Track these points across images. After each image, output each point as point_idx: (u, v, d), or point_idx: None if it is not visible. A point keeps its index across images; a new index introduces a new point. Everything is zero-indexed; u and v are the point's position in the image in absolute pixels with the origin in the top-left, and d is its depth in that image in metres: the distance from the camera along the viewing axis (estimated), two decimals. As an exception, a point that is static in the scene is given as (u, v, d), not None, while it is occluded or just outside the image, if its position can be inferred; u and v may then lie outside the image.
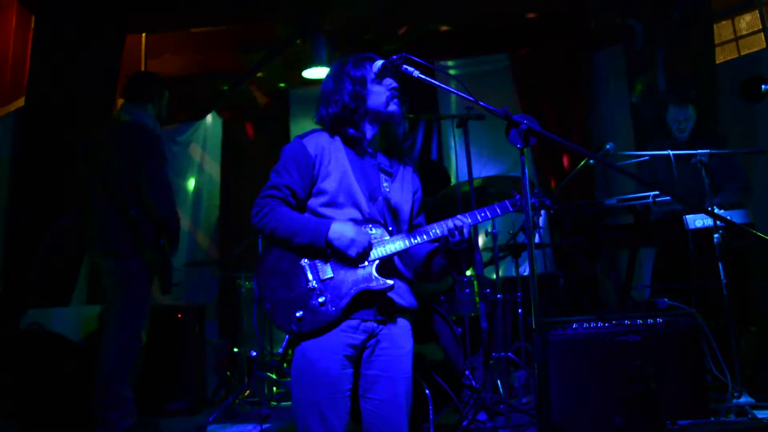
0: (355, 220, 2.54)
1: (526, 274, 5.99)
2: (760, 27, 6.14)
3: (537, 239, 5.60)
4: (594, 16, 6.65)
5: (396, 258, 2.61)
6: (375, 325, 2.51)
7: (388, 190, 2.67)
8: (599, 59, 7.25)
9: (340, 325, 2.44)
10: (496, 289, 4.92)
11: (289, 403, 5.30)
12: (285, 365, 5.44)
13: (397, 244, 2.53)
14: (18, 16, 5.65)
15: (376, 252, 2.51)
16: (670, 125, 4.95)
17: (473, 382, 4.33)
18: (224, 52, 7.24)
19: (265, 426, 4.36)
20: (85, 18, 5.39)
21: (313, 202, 2.58)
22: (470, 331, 4.64)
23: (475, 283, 4.74)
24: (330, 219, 2.50)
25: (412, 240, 2.54)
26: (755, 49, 6.23)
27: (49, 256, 4.99)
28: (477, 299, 4.69)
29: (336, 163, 2.58)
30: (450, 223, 2.53)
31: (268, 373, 5.04)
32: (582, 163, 4.44)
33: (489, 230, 4.87)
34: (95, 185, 4.19)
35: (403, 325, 2.61)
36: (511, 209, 2.61)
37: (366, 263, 2.48)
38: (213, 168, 7.27)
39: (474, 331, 4.76)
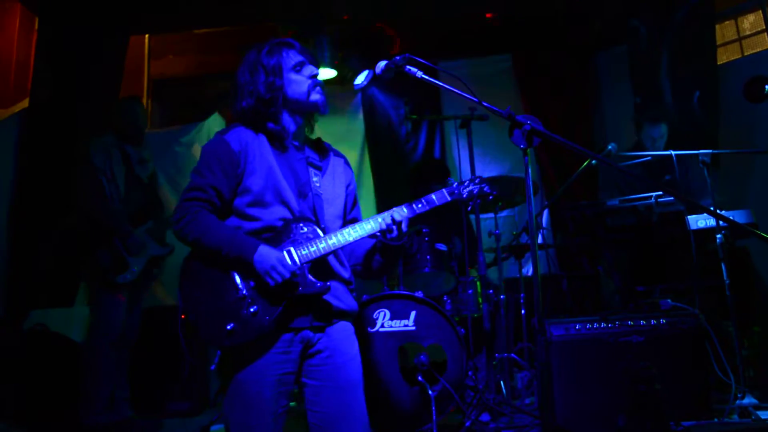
0: (284, 219, 2.37)
1: (529, 274, 5.99)
2: (764, 27, 6.14)
3: (540, 240, 5.60)
4: (598, 16, 6.64)
5: (331, 257, 2.44)
6: (311, 333, 2.35)
7: (318, 185, 2.49)
8: (602, 60, 7.25)
9: (273, 345, 2.28)
10: (498, 290, 4.92)
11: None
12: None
13: (330, 243, 2.33)
14: (21, 18, 5.66)
15: (309, 252, 2.31)
16: (644, 143, 5.07)
17: (476, 383, 4.33)
18: (227, 53, 7.24)
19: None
20: (88, 19, 5.40)
21: (239, 201, 2.40)
22: (473, 332, 4.63)
23: (478, 283, 4.74)
24: (255, 241, 2.29)
25: (345, 237, 2.35)
26: (759, 50, 6.21)
27: (52, 257, 5.01)
28: (480, 300, 4.69)
29: (261, 159, 2.40)
30: (387, 216, 2.37)
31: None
32: (585, 163, 4.44)
33: (492, 231, 4.87)
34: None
35: (343, 328, 2.45)
36: (448, 198, 2.46)
37: (298, 274, 2.30)
38: (216, 169, 7.27)
39: (477, 332, 4.75)
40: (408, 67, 2.43)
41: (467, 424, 3.90)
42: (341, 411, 2.33)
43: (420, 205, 2.42)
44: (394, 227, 2.36)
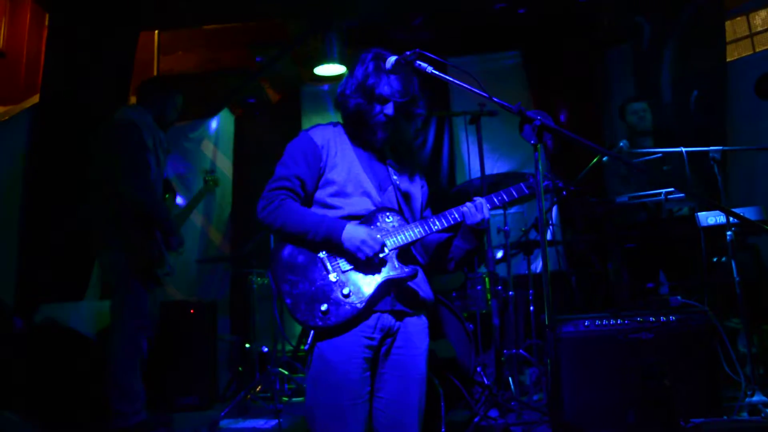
0: (367, 209, 2.48)
1: (538, 271, 5.99)
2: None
3: (549, 236, 5.59)
4: (608, 13, 6.62)
5: (411, 247, 2.56)
6: (393, 321, 2.44)
7: (398, 181, 2.63)
8: (612, 57, 7.22)
9: (360, 330, 2.37)
10: (507, 286, 4.92)
11: (299, 398, 5.32)
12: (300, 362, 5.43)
13: (417, 231, 2.46)
14: (32, 14, 5.69)
15: (396, 240, 2.44)
16: (630, 119, 5.25)
17: (485, 379, 4.34)
18: (236, 49, 7.26)
19: (275, 422, 4.37)
20: (98, 15, 5.41)
21: (321, 193, 2.52)
22: (482, 328, 4.64)
23: (486, 280, 4.74)
24: (342, 221, 2.41)
25: (432, 226, 2.47)
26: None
27: (63, 252, 5.03)
28: (489, 296, 4.69)
29: (342, 154, 2.55)
30: (469, 203, 2.49)
31: (280, 369, 5.06)
32: (595, 159, 4.42)
33: (501, 227, 4.86)
34: (89, 185, 4.39)
35: (420, 322, 2.55)
36: (526, 191, 2.57)
37: (387, 251, 2.41)
38: (225, 164, 7.30)
39: (485, 328, 4.75)
40: (418, 62, 2.43)
41: (476, 420, 3.90)
42: (404, 401, 2.44)
43: (499, 198, 2.56)
44: (477, 213, 2.48)
